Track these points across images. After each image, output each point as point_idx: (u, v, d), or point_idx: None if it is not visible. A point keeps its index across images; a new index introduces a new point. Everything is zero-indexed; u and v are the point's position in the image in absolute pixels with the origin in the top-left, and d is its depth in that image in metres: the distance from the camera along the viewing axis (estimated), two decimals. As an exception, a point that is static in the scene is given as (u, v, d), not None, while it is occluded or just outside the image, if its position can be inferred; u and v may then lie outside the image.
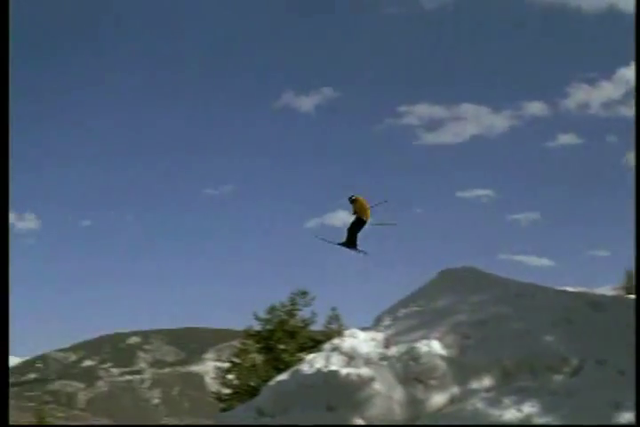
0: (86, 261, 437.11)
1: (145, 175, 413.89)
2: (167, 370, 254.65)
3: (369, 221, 17.15)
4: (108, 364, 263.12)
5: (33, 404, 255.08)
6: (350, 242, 17.43)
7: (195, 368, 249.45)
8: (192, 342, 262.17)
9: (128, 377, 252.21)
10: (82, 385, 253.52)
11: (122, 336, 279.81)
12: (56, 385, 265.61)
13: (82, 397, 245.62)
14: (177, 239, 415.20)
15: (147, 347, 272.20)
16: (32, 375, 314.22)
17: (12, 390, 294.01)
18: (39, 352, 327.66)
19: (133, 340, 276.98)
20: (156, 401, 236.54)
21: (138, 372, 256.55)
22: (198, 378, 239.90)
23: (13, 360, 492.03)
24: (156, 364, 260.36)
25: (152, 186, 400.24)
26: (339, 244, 17.56)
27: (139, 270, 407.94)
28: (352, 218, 17.36)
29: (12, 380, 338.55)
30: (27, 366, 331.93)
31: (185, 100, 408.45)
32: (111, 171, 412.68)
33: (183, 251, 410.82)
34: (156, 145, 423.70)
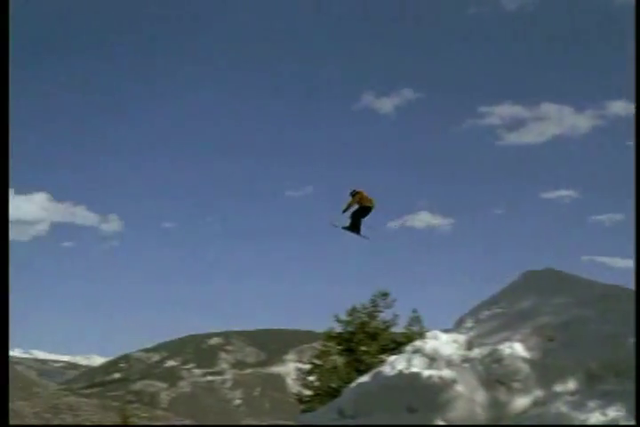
0: (168, 263, 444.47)
1: (227, 177, 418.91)
2: (248, 371, 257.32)
3: (375, 206, 18.51)
4: (191, 364, 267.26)
5: (116, 403, 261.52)
6: (354, 227, 18.56)
7: (276, 369, 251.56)
8: (273, 344, 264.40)
9: (210, 378, 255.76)
10: (164, 385, 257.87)
11: (204, 337, 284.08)
12: (139, 385, 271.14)
13: (164, 397, 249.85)
14: (258, 240, 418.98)
15: (228, 348, 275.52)
16: (116, 375, 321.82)
17: (96, 390, 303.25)
18: (123, 352, 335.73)
19: (215, 341, 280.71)
20: (238, 402, 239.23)
21: (219, 373, 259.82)
22: (279, 379, 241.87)
23: (98, 360, 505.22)
24: (238, 365, 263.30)
25: (234, 187, 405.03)
26: (343, 228, 18.68)
27: (221, 272, 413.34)
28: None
29: (96, 379, 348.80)
30: (111, 365, 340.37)
31: (268, 102, 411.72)
32: (193, 173, 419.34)
33: (265, 252, 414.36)
34: (238, 147, 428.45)
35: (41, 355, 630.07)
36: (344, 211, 18.57)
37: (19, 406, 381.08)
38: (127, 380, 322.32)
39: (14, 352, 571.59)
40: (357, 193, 18.42)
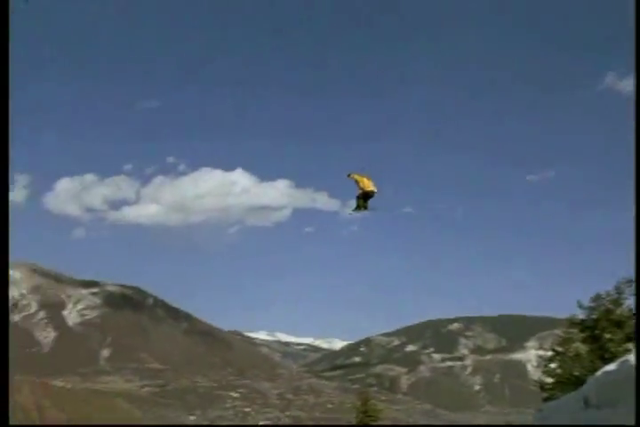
0: (409, 246, 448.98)
1: (468, 168, 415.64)
2: (488, 357, 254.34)
3: (371, 190, 21.71)
4: (430, 349, 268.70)
5: (357, 386, 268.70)
6: (358, 207, 21.97)
7: (516, 356, 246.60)
8: (513, 330, 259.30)
9: (449, 363, 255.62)
10: (404, 370, 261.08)
11: (444, 322, 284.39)
12: (379, 369, 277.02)
13: (404, 381, 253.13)
14: (499, 225, 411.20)
15: (468, 333, 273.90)
16: (356, 359, 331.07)
17: (336, 373, 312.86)
18: (363, 336, 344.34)
19: (455, 326, 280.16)
20: (477, 388, 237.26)
21: (459, 358, 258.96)
22: (520, 366, 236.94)
23: (339, 344, 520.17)
24: (478, 350, 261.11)
25: (477, 175, 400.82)
26: (351, 211, 22.35)
27: (465, 259, 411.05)
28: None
29: (336, 362, 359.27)
30: (351, 349, 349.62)
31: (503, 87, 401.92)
32: (434, 162, 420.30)
33: (510, 237, 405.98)
34: (474, 136, 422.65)
35: (284, 338, 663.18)
36: (357, 198, 22.07)
37: (264, 387, 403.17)
38: (367, 364, 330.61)
39: (259, 335, 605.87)
40: (354, 179, 21.76)
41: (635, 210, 13.75)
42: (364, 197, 21.83)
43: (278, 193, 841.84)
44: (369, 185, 21.65)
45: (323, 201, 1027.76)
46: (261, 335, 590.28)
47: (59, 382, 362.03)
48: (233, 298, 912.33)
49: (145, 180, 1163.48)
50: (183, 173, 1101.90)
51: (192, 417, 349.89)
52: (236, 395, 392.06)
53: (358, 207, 22.08)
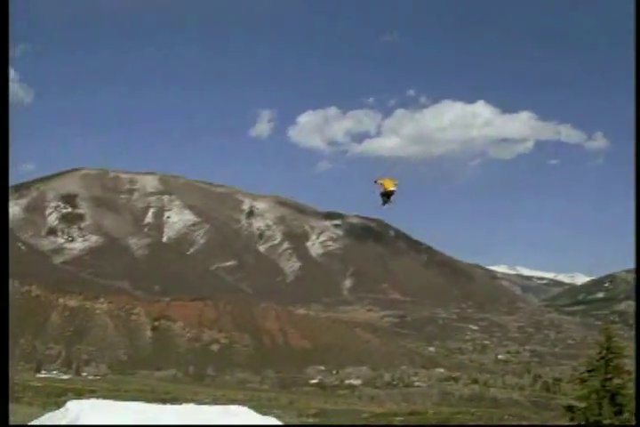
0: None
1: None
2: None
3: (391, 189, 27.51)
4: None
5: (599, 322, 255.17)
6: (383, 203, 27.81)
7: None
8: None
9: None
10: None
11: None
12: (623, 306, 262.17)
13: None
14: None
15: None
16: (599, 295, 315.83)
17: (578, 308, 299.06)
18: (608, 272, 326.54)
19: None
20: None
21: None
22: None
23: (582, 279, 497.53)
24: None
25: None
26: (381, 205, 28.10)
27: None
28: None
29: (578, 298, 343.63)
30: (595, 285, 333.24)
31: None
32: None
33: None
34: None
35: (525, 272, 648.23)
36: (382, 195, 27.90)
37: (504, 320, 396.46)
38: (611, 300, 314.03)
39: (500, 268, 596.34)
40: (380, 184, 27.73)
41: (635, 210, 10.41)
42: (387, 195, 27.83)
43: (521, 125, 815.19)
44: (390, 185, 27.67)
45: (567, 133, 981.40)
46: (502, 269, 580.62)
47: (302, 311, 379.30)
48: (474, 231, 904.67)
49: (386, 112, 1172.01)
50: (424, 106, 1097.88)
51: (431, 348, 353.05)
52: (475, 327, 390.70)
53: (383, 202, 28.08)
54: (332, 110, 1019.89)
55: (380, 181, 27.71)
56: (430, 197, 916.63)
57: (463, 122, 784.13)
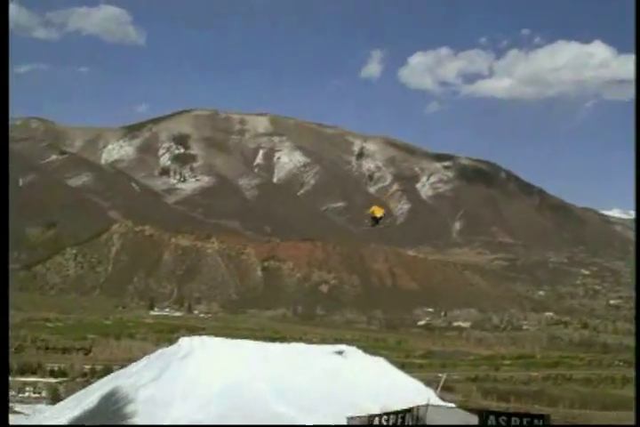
0: None
1: None
2: None
3: (379, 215, 32.56)
4: None
5: None
6: (372, 225, 32.65)
7: None
8: None
9: None
10: None
11: None
12: None
13: None
14: None
15: None
16: None
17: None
18: None
19: None
20: None
21: None
22: None
23: None
24: None
25: None
26: (371, 226, 33.28)
27: None
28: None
29: None
30: None
31: None
32: None
33: None
34: None
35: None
36: (372, 219, 32.61)
37: (616, 266, 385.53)
38: None
39: (613, 213, 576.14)
40: (371, 211, 32.57)
41: (635, 210, 9.16)
42: (376, 220, 32.38)
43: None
44: (378, 212, 32.33)
45: None
46: (616, 213, 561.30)
47: (411, 252, 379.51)
48: (587, 174, 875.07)
49: (499, 53, 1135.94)
50: (538, 46, 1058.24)
51: (541, 292, 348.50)
52: (586, 272, 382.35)
53: (372, 225, 32.67)
54: (444, 51, 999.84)
55: (370, 210, 32.53)
56: (542, 138, 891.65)
57: (578, 62, 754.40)
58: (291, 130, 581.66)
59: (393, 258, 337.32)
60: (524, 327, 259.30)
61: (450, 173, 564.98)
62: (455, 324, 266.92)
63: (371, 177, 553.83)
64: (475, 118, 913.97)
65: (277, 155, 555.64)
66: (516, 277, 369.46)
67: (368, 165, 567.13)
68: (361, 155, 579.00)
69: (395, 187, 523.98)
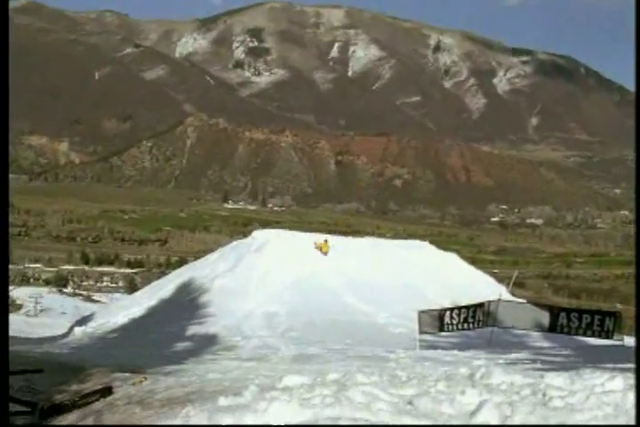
0: None
1: None
2: None
3: (325, 251, 32.60)
4: None
5: None
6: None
7: None
8: None
9: None
10: None
11: None
12: None
13: None
14: None
15: None
16: None
17: None
18: None
19: None
20: None
21: None
22: None
23: None
24: None
25: None
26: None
27: None
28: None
29: None
30: None
31: None
32: None
33: None
34: None
35: None
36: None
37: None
38: None
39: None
40: (319, 247, 33.29)
41: (635, 207, 9.61)
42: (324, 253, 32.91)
43: None
44: (324, 248, 32.53)
45: None
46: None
47: (486, 148, 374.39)
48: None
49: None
50: None
51: (617, 190, 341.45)
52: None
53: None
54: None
55: (317, 246, 32.83)
56: (624, 32, 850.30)
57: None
58: (366, 23, 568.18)
59: (468, 153, 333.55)
60: (599, 226, 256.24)
61: (527, 68, 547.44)
62: (528, 221, 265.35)
63: (447, 71, 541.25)
64: (555, 12, 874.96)
65: (352, 48, 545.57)
66: (592, 174, 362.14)
67: (444, 59, 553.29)
68: (437, 48, 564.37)
69: (471, 82, 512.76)
